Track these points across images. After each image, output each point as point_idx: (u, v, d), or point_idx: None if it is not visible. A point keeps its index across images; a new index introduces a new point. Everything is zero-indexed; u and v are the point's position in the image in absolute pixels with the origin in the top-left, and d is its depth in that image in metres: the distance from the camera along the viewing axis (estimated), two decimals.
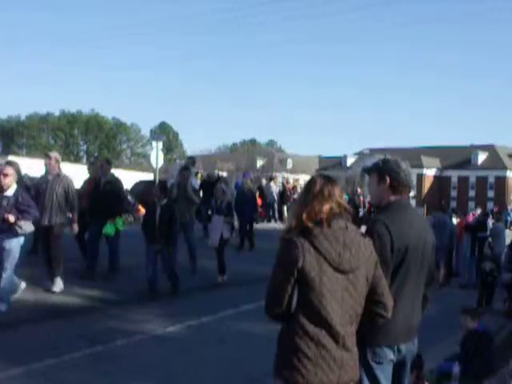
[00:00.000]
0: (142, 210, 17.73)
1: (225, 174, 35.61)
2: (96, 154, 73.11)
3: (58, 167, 8.35)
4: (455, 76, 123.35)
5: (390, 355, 3.06)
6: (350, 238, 2.73)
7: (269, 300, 2.73)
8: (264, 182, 22.72)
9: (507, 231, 15.44)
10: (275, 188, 21.61)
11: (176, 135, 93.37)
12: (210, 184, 14.68)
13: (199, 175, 21.01)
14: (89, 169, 10.59)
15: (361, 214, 20.96)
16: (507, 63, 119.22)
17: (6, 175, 6.79)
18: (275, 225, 19.53)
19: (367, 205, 21.02)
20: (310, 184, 2.82)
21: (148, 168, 33.87)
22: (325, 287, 2.65)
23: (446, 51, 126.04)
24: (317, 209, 2.71)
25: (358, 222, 3.10)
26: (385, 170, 3.19)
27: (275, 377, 2.75)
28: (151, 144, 22.97)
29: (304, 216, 2.70)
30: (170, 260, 8.71)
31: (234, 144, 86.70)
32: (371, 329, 2.92)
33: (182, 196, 10.80)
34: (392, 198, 3.18)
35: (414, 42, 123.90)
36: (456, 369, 5.27)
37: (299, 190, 23.77)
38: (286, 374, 2.69)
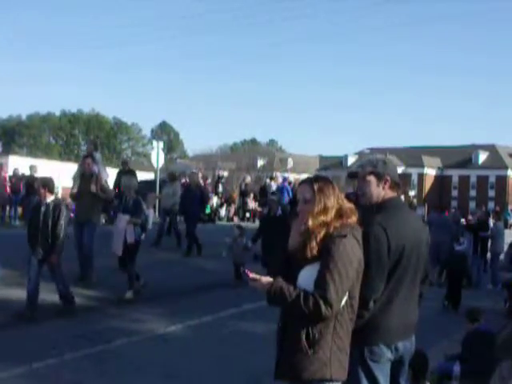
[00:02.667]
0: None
1: (226, 174, 35.62)
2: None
3: None
4: (456, 75, 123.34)
5: (388, 354, 3.06)
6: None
7: (337, 298, 2.64)
8: (268, 181, 22.62)
9: (506, 231, 15.45)
10: (276, 188, 21.61)
11: (177, 135, 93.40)
12: (120, 174, 12.30)
13: (200, 175, 21.10)
14: None
15: None
16: (508, 62, 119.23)
17: None
18: None
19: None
20: (338, 187, 2.95)
21: (149, 168, 33.87)
22: (360, 285, 2.81)
23: (447, 51, 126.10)
24: (353, 209, 2.90)
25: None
26: (385, 170, 3.21)
27: (316, 380, 2.69)
28: (152, 144, 23.02)
29: (350, 215, 2.85)
30: (56, 272, 7.39)
31: (234, 144, 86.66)
32: (368, 328, 2.95)
33: (85, 190, 9.07)
34: (390, 195, 3.21)
35: (414, 41, 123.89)
36: (457, 368, 5.27)
37: None
38: (338, 373, 2.71)
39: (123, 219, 8.37)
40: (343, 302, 2.70)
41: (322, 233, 2.75)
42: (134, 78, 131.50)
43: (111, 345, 6.35)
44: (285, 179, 21.81)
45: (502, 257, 12.45)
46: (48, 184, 7.48)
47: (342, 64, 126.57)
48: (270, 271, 2.92)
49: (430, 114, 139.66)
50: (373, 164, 3.22)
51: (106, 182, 9.64)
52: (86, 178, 9.16)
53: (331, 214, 2.80)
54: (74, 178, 9.52)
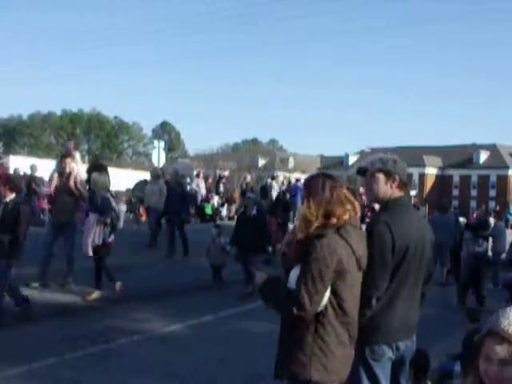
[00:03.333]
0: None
1: (227, 173, 35.61)
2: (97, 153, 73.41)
3: None
4: (457, 75, 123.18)
5: (389, 353, 3.07)
6: (362, 237, 2.84)
7: (310, 299, 2.63)
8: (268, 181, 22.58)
9: (508, 230, 15.43)
10: (277, 187, 21.60)
11: (178, 134, 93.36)
12: (91, 170, 11.04)
13: (201, 175, 21.09)
14: None
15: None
16: (508, 62, 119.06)
17: None
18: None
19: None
20: (330, 185, 2.84)
21: (150, 167, 33.84)
22: (354, 286, 2.76)
23: (448, 50, 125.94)
24: (345, 208, 2.80)
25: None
26: (394, 169, 3.22)
27: (299, 381, 2.70)
28: (153, 143, 23.02)
29: (338, 214, 2.76)
30: (5, 275, 6.77)
31: (235, 143, 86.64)
32: (369, 327, 2.95)
33: (63, 189, 8.81)
34: (397, 195, 3.22)
35: (415, 40, 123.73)
36: (458, 368, 5.26)
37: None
38: (323, 376, 2.69)
39: (92, 218, 8.13)
40: (323, 302, 2.67)
41: (305, 232, 2.75)
42: (135, 77, 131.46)
43: (111, 344, 6.34)
44: (298, 180, 21.96)
45: (503, 256, 12.46)
46: (9, 182, 7.01)
47: (341, 64, 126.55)
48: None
49: (430, 114, 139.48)
50: (383, 162, 3.24)
51: (83, 182, 9.41)
52: (64, 177, 8.84)
53: (317, 212, 2.76)
54: (51, 178, 9.27)
